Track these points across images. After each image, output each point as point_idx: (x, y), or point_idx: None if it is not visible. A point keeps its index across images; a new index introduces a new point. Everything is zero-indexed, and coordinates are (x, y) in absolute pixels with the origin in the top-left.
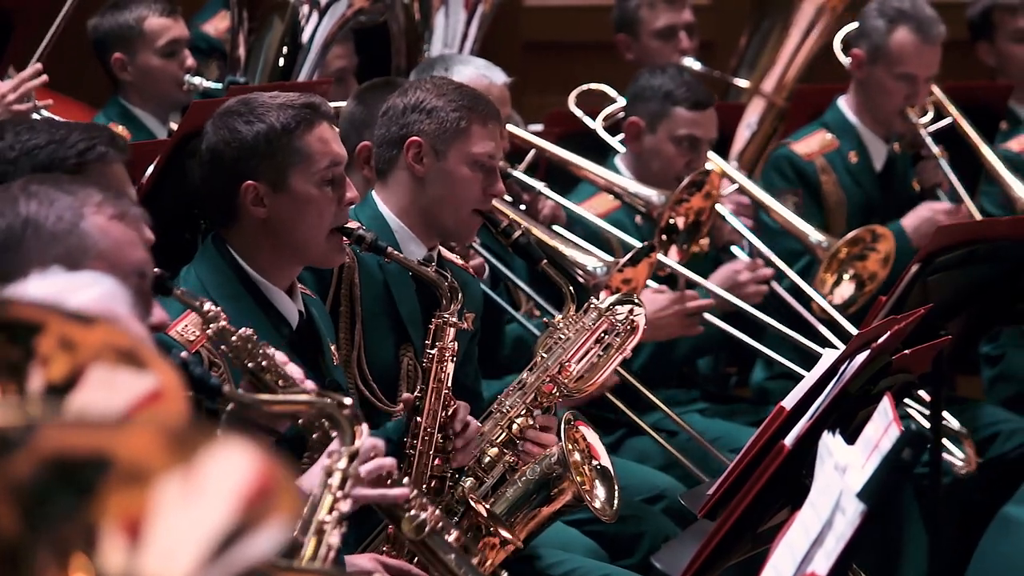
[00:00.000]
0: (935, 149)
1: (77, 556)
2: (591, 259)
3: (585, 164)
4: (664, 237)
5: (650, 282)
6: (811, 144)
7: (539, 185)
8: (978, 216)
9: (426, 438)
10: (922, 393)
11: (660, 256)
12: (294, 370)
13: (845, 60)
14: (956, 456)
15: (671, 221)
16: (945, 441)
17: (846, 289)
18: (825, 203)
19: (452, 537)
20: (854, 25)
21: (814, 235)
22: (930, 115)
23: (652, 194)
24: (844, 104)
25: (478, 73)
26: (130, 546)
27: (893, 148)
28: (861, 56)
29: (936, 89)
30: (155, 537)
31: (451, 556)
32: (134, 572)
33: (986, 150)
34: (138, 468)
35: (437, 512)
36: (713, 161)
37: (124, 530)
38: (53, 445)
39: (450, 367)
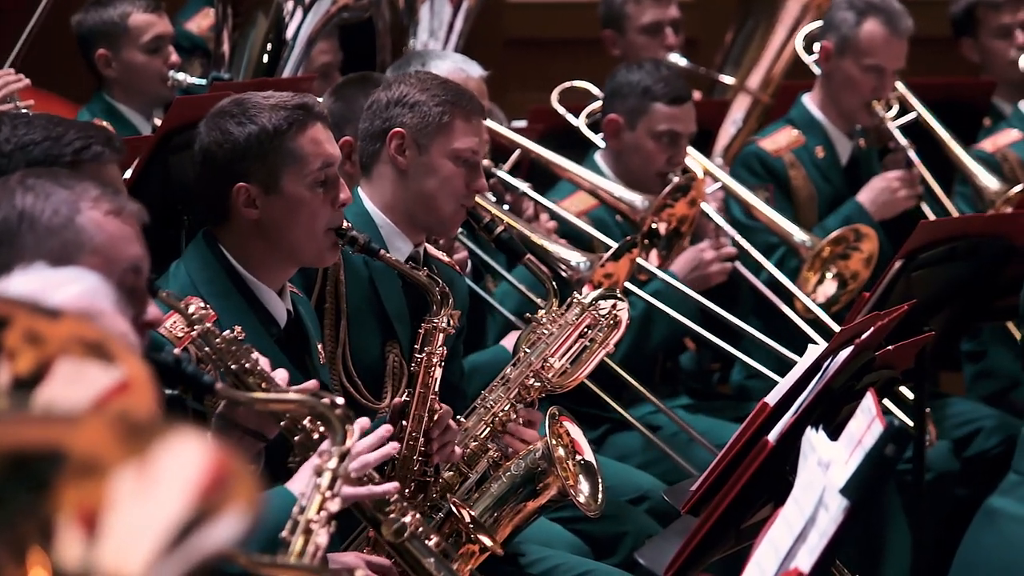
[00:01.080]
0: (903, 141)
1: (34, 551)
2: (574, 254)
3: (569, 165)
4: (645, 242)
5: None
6: (779, 140)
7: (523, 186)
8: (950, 206)
9: (411, 442)
10: (903, 390)
11: (640, 260)
12: (279, 374)
13: (808, 59)
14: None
15: (653, 226)
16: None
17: (829, 288)
18: (796, 198)
19: (432, 542)
20: (816, 24)
21: (798, 234)
22: (895, 110)
23: (636, 199)
24: (809, 101)
25: (455, 67)
26: (87, 539)
27: (858, 143)
28: (829, 48)
29: (900, 85)
30: (111, 530)
31: (431, 560)
32: (91, 565)
33: (951, 143)
34: (92, 461)
35: (417, 516)
36: (695, 159)
37: (80, 523)
38: (7, 441)
39: (438, 372)
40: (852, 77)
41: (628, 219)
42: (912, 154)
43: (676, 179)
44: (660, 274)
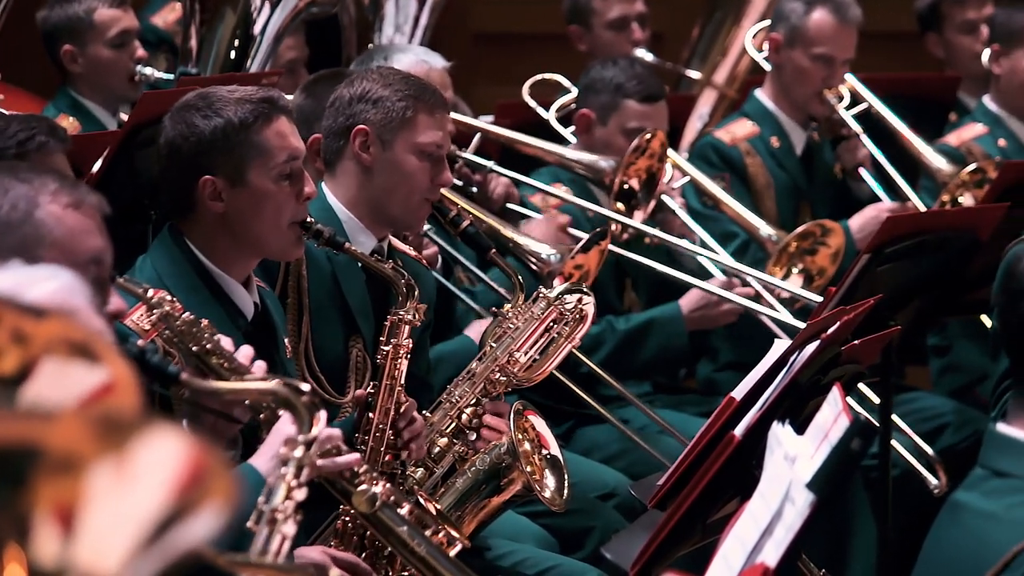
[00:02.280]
0: (855, 127)
1: (10, 547)
2: (544, 246)
3: (532, 141)
4: (621, 205)
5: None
6: (734, 131)
7: (489, 163)
8: (913, 195)
9: (377, 434)
10: (864, 387)
11: (627, 220)
12: (243, 351)
13: (756, 55)
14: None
15: (625, 186)
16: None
17: (794, 283)
18: (753, 186)
19: (405, 511)
20: (763, 23)
21: (764, 228)
22: (847, 100)
23: (602, 162)
24: (762, 94)
25: (417, 59)
26: (63, 535)
27: (812, 135)
28: (779, 39)
29: (850, 76)
30: (88, 526)
31: (404, 528)
32: (68, 561)
33: (904, 131)
34: (69, 458)
35: (388, 486)
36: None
37: (57, 520)
38: None
39: (404, 364)
40: (802, 67)
41: (601, 186)
42: (865, 140)
43: (636, 140)
44: (644, 228)
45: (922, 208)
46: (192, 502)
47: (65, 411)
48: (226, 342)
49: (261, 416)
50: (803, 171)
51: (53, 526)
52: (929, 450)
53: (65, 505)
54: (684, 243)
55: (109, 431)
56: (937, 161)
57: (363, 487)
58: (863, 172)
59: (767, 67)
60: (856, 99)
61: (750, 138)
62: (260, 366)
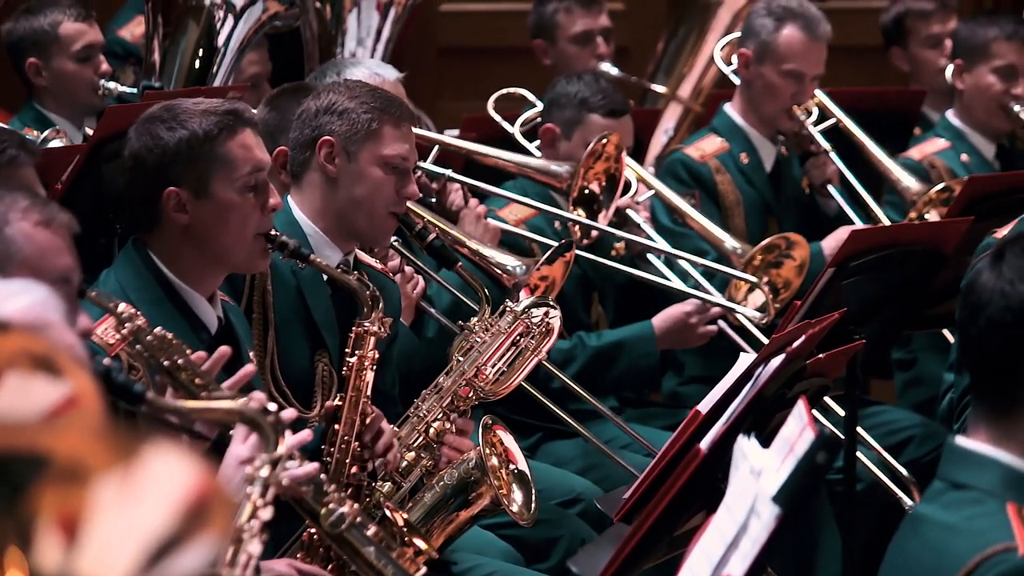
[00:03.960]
0: (824, 144)
1: (12, 551)
2: (509, 258)
3: (491, 151)
4: (582, 212)
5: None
6: (703, 147)
7: (447, 172)
8: (881, 215)
9: (343, 446)
10: (830, 401)
11: (591, 222)
12: (214, 357)
13: (725, 68)
14: None
15: (586, 191)
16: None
17: (759, 296)
18: (722, 203)
19: (371, 532)
20: (733, 36)
21: (729, 242)
22: (815, 115)
23: (559, 168)
24: (731, 109)
25: (370, 72)
26: (67, 544)
27: (780, 149)
28: (748, 55)
29: (819, 92)
30: (92, 536)
31: (370, 549)
32: (70, 570)
33: (872, 148)
34: (75, 467)
35: (356, 507)
36: (630, 167)
37: (61, 528)
38: None
39: (369, 376)
40: (772, 83)
41: (557, 189)
42: (834, 157)
43: (591, 145)
44: (608, 229)
45: (883, 217)
46: (195, 526)
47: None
48: (196, 356)
49: (231, 432)
50: (771, 187)
51: (56, 534)
52: (903, 470)
53: (70, 514)
54: (650, 243)
55: (117, 444)
56: (906, 179)
57: (331, 506)
58: (831, 188)
59: (736, 80)
60: (824, 114)
61: (719, 154)
62: (230, 382)
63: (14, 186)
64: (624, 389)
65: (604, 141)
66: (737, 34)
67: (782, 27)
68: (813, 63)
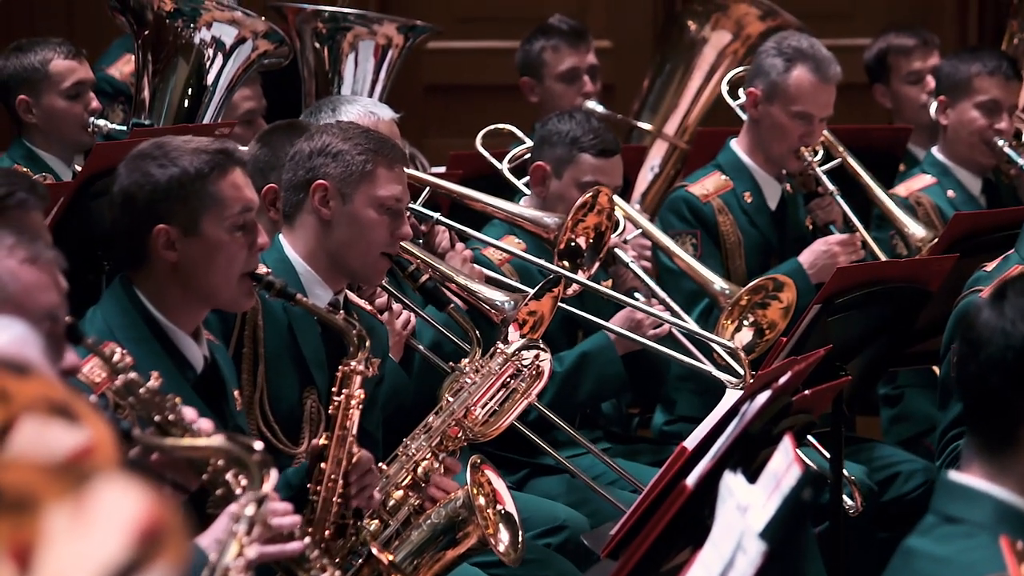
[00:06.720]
0: (830, 187)
1: None
2: (497, 294)
3: (482, 197)
4: (566, 263)
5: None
6: (707, 186)
7: (435, 215)
8: (876, 248)
9: (330, 484)
10: (812, 438)
11: (571, 275)
12: (204, 424)
13: (732, 103)
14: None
15: (572, 244)
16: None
17: (745, 336)
18: (723, 244)
19: None
20: (739, 70)
21: (717, 282)
22: (820, 155)
23: (548, 219)
24: (737, 146)
25: (365, 111)
26: (20, 573)
27: (786, 188)
28: (757, 94)
29: (825, 131)
30: (45, 566)
31: None
32: None
33: (877, 190)
34: (23, 497)
35: (337, 574)
36: (618, 205)
37: (13, 558)
38: None
39: (356, 415)
40: (781, 124)
41: (544, 240)
42: (839, 199)
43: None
44: (591, 285)
45: (880, 254)
46: (148, 555)
47: (19, 455)
48: (188, 413)
49: (217, 492)
50: (774, 226)
51: (9, 564)
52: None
53: (22, 544)
54: (630, 301)
55: (66, 474)
56: (912, 227)
57: (313, 572)
58: (833, 229)
59: (743, 115)
60: (830, 153)
61: (722, 193)
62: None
63: (22, 230)
64: (598, 402)
65: (595, 193)
66: (741, 69)
67: (792, 68)
68: (822, 105)
